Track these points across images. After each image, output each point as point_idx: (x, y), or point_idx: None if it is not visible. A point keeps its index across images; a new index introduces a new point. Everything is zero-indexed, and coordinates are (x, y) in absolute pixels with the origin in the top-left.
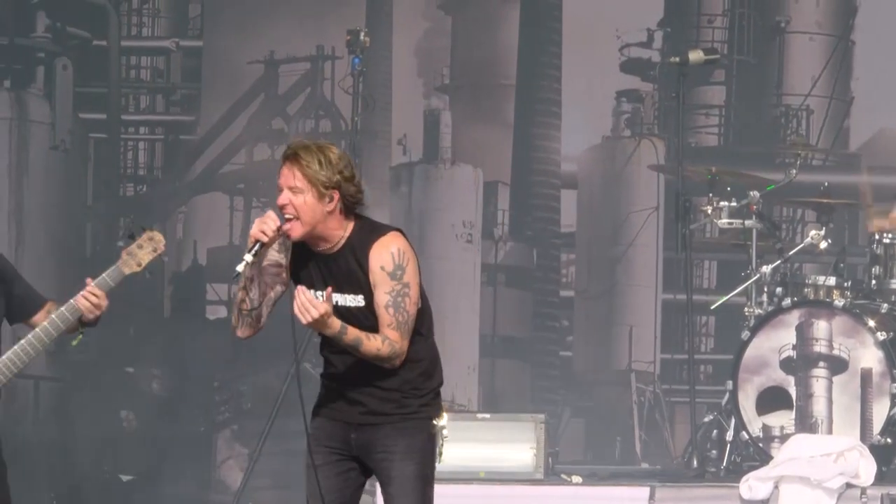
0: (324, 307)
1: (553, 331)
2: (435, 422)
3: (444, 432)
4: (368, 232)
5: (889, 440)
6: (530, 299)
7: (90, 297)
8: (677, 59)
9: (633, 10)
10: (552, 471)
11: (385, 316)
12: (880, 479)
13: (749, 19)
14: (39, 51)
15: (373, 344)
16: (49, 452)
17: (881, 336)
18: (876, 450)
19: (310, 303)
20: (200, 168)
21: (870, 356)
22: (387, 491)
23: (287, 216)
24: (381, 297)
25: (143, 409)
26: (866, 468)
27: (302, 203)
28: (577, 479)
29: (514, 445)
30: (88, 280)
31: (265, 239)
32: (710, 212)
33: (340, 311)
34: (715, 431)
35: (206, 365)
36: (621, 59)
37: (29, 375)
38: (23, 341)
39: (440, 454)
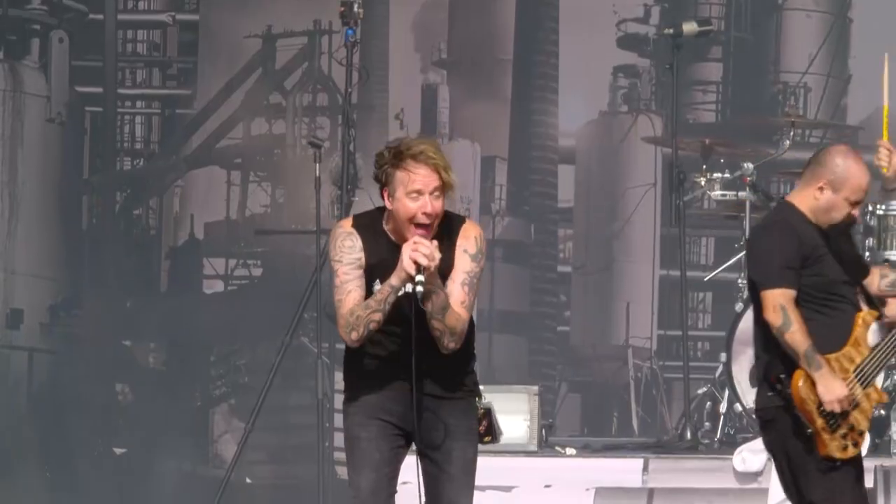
0: (437, 255)
1: (550, 306)
2: (478, 401)
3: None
4: (449, 220)
5: (882, 412)
6: (528, 274)
7: None
8: (671, 31)
9: None
10: (546, 443)
11: (460, 293)
12: (874, 450)
13: None
14: (35, 23)
15: (456, 313)
16: (43, 425)
17: None
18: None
19: (429, 248)
20: (197, 142)
21: None
22: (444, 469)
23: (425, 223)
24: (459, 275)
25: (138, 382)
26: None
27: (439, 207)
28: (570, 451)
29: (508, 417)
30: None
31: (432, 267)
32: (703, 183)
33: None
34: (709, 404)
35: (203, 339)
36: (618, 35)
37: (22, 347)
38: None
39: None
